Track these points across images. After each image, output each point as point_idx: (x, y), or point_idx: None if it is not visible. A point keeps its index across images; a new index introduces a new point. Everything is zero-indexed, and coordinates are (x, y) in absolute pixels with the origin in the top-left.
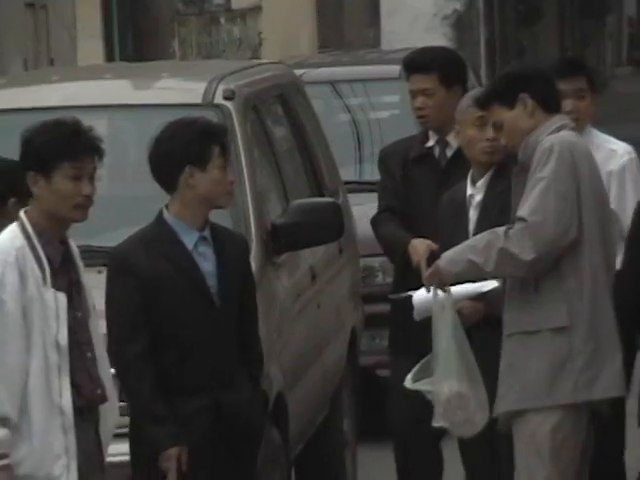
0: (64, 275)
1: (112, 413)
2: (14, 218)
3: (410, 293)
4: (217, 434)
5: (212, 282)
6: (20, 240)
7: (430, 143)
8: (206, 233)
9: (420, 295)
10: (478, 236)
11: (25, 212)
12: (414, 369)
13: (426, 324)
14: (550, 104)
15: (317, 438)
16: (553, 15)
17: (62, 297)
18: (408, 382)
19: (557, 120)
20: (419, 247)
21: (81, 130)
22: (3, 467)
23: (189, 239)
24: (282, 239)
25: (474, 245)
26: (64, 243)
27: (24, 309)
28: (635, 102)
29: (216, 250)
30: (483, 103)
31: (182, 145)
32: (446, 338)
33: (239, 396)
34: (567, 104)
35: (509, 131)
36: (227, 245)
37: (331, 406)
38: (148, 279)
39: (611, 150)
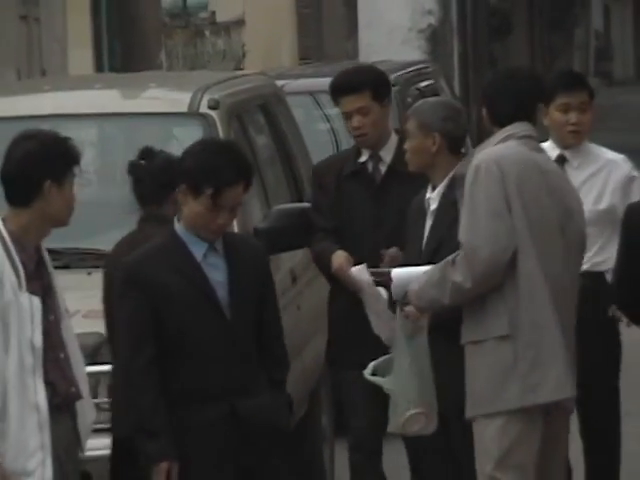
0: (38, 280)
1: (89, 409)
2: None
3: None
4: (236, 441)
5: (222, 293)
6: None
7: (363, 158)
8: (217, 243)
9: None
10: (435, 267)
11: (3, 220)
12: (375, 362)
13: (364, 335)
14: (502, 118)
15: (296, 433)
16: (523, 28)
17: (36, 301)
18: (368, 371)
19: (509, 129)
20: (338, 258)
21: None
22: None
23: (198, 250)
24: (264, 243)
25: (431, 279)
26: (38, 250)
27: (1, 312)
28: (603, 112)
29: (227, 260)
30: None
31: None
32: (405, 355)
33: (256, 401)
34: (571, 117)
35: None
36: (241, 254)
37: (310, 402)
38: (158, 291)
39: (608, 160)
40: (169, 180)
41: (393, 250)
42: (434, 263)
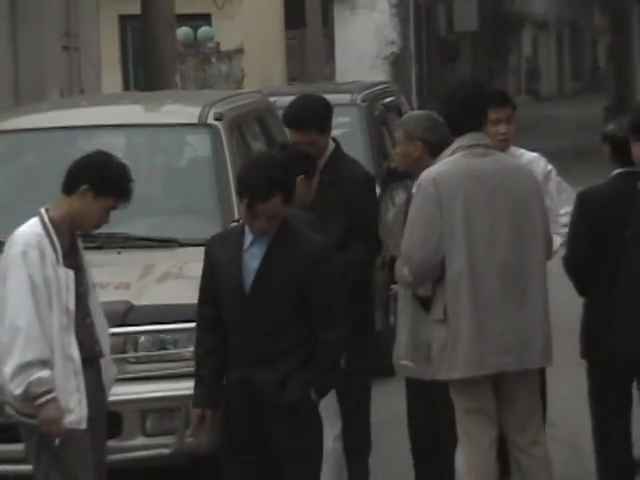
0: (71, 258)
1: (111, 366)
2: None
3: None
4: (246, 406)
5: (249, 277)
6: (40, 229)
7: None
8: (268, 236)
9: None
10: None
11: (46, 210)
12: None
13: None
14: (462, 125)
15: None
16: (467, 55)
17: (71, 273)
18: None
19: (458, 141)
20: None
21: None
22: (52, 399)
23: (247, 240)
24: None
25: (398, 265)
26: (72, 234)
27: (45, 281)
28: (532, 123)
29: (268, 251)
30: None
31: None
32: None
33: (265, 375)
34: (500, 128)
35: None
36: (288, 247)
37: None
38: (214, 265)
39: (529, 160)
40: (297, 170)
41: None
42: None
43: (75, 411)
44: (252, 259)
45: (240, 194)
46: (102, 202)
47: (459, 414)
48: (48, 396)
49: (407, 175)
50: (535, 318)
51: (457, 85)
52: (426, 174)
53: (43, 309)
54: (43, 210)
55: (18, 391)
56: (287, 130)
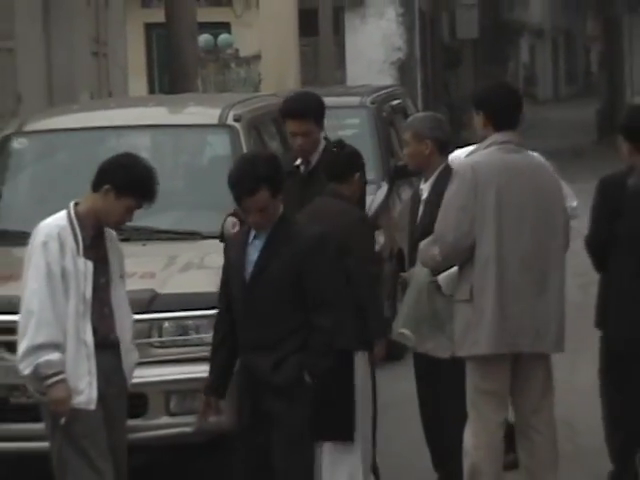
0: (93, 250)
1: (132, 352)
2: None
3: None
4: (250, 387)
5: (250, 268)
6: (64, 222)
7: (297, 162)
8: (268, 230)
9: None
10: (429, 239)
11: (75, 204)
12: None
13: None
14: (499, 123)
15: None
16: (469, 61)
17: (90, 264)
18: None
19: (492, 137)
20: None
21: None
22: (60, 380)
23: (252, 235)
24: None
25: (425, 246)
26: (97, 228)
27: (63, 271)
28: (529, 124)
29: (266, 244)
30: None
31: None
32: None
33: (268, 359)
34: None
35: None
36: (281, 240)
37: None
38: (227, 260)
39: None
40: (353, 166)
41: None
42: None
43: (85, 392)
44: (254, 251)
45: (230, 190)
46: (123, 202)
47: (472, 393)
48: (57, 378)
49: (414, 173)
50: (551, 307)
51: (495, 85)
52: (464, 163)
53: (58, 296)
54: (72, 204)
55: (27, 371)
56: (284, 121)
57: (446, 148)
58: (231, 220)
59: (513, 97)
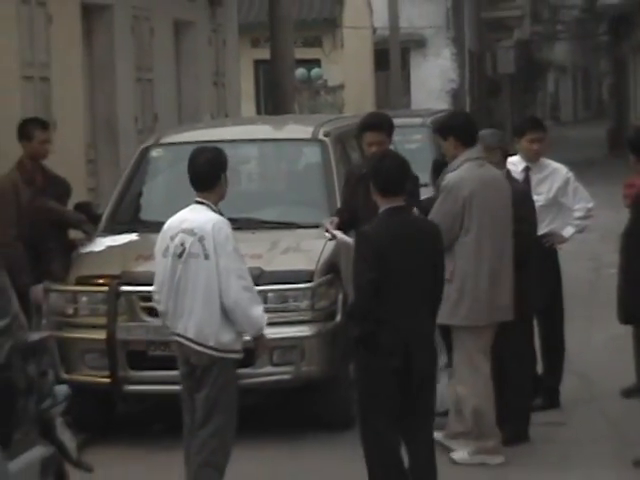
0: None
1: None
2: None
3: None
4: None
5: None
6: (220, 216)
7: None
8: None
9: None
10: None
11: (199, 202)
12: None
13: None
14: (467, 141)
15: None
16: (507, 91)
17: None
18: None
19: (466, 154)
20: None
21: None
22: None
23: None
24: None
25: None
26: None
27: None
28: (554, 142)
29: None
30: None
31: None
32: None
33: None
34: (534, 146)
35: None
36: None
37: None
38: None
39: (554, 168)
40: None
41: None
42: None
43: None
44: None
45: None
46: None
47: (468, 351)
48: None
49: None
50: (507, 289)
51: (453, 114)
52: (454, 177)
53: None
54: (206, 202)
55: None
56: (361, 133)
57: (506, 154)
58: (329, 218)
59: (470, 119)
